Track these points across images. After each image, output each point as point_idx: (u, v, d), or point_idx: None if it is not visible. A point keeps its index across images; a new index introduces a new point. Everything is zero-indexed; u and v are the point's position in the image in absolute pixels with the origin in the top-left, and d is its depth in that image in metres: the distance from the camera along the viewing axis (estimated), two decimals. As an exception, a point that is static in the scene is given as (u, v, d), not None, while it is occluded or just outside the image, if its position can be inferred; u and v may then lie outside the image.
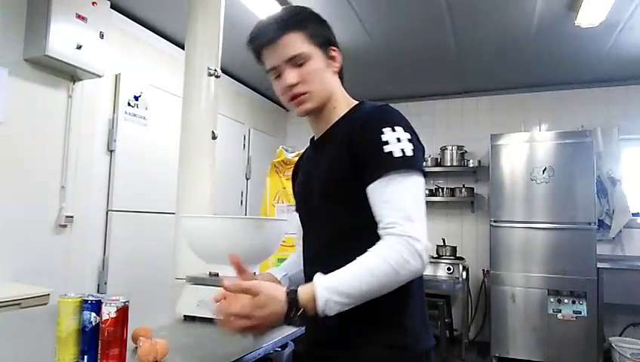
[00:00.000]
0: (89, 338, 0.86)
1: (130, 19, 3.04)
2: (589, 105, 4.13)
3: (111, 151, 2.88)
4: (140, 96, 3.05)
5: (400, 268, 0.76)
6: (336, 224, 0.91)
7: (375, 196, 0.82)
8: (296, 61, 0.92)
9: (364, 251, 0.79)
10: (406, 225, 0.77)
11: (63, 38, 2.35)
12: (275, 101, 5.06)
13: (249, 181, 4.46)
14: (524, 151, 3.70)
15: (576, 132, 3.73)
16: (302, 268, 1.05)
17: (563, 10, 2.80)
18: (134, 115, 3.01)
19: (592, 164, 3.52)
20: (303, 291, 0.76)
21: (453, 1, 2.73)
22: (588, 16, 2.74)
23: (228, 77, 4.07)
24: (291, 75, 0.92)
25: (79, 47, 2.43)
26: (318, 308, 0.75)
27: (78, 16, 2.43)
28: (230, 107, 4.10)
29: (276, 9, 2.73)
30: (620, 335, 3.64)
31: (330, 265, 0.79)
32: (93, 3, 2.50)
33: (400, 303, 0.87)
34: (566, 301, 3.46)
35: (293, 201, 2.02)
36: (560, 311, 3.47)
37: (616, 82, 4.02)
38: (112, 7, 2.76)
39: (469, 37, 3.24)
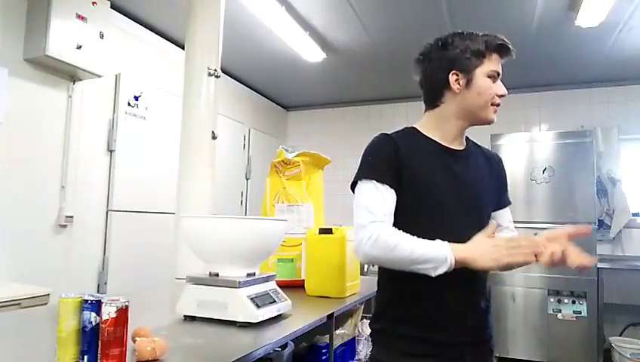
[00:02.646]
0: (89, 338, 0.86)
1: (130, 19, 3.04)
2: (589, 105, 4.13)
3: (111, 151, 2.88)
4: (140, 96, 3.05)
5: None
6: (485, 222, 1.11)
7: (508, 214, 1.26)
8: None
9: None
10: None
11: (63, 38, 2.35)
12: (275, 101, 5.07)
13: (249, 181, 4.46)
14: (524, 151, 3.70)
15: (576, 132, 3.72)
16: None
17: (563, 11, 2.80)
18: (134, 115, 3.01)
19: (592, 164, 3.52)
20: None
21: (453, 1, 2.74)
22: (588, 17, 2.74)
23: (228, 77, 4.08)
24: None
25: (79, 47, 2.43)
26: None
27: (78, 16, 2.43)
28: (230, 107, 4.10)
29: (276, 10, 2.74)
30: (619, 336, 3.64)
31: None
32: (93, 3, 2.50)
33: None
34: (566, 301, 3.46)
35: (293, 201, 2.03)
36: (560, 311, 3.47)
37: (616, 82, 4.02)
38: (112, 7, 2.76)
39: (469, 37, 3.23)
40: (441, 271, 0.96)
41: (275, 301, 1.37)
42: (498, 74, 1.12)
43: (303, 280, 1.85)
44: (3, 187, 2.29)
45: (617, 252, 3.91)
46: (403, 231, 1.04)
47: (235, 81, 4.29)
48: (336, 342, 1.82)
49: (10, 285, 2.15)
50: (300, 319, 1.41)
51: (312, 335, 1.76)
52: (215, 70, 2.27)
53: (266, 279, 1.40)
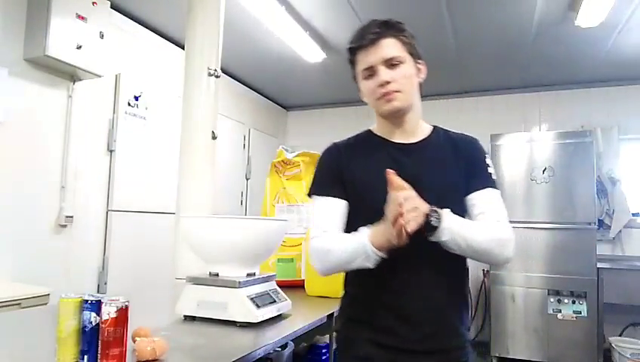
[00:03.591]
0: (89, 338, 0.86)
1: (130, 19, 3.04)
2: (589, 105, 4.13)
3: (111, 151, 2.88)
4: (140, 96, 3.05)
5: (501, 245, 1.02)
6: None
7: (482, 198, 1.07)
8: (392, 62, 1.06)
9: None
10: (505, 220, 1.06)
11: (63, 38, 2.35)
12: (275, 101, 5.07)
13: (249, 181, 4.46)
14: (524, 151, 3.70)
15: (576, 132, 3.72)
16: None
17: (563, 11, 2.80)
18: (134, 115, 3.01)
19: (592, 164, 3.52)
20: (441, 210, 0.96)
21: (453, 1, 2.73)
22: (588, 17, 2.74)
23: (228, 77, 4.08)
24: (387, 74, 1.05)
25: (79, 47, 2.43)
26: (441, 224, 0.94)
27: (78, 16, 2.43)
28: (230, 107, 4.10)
29: (277, 10, 2.74)
30: (619, 336, 3.64)
31: (440, 252, 0.96)
32: (93, 3, 2.50)
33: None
34: (566, 301, 3.46)
35: (293, 201, 2.03)
36: (560, 311, 3.47)
37: (615, 82, 4.02)
38: (112, 7, 2.76)
39: (469, 37, 3.24)
40: (373, 260, 0.96)
41: (275, 301, 1.37)
42: (368, 68, 1.07)
43: (303, 280, 1.85)
44: (3, 187, 2.29)
45: (617, 252, 3.90)
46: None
47: (235, 81, 4.29)
48: (336, 342, 1.82)
49: (10, 285, 2.15)
50: (300, 319, 1.41)
51: (312, 336, 1.76)
52: (215, 70, 2.27)
53: (266, 279, 1.40)
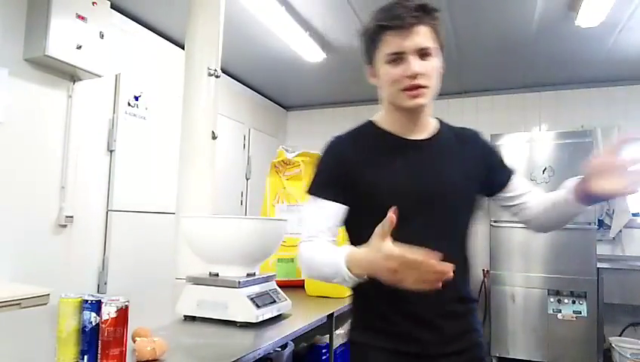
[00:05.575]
0: (89, 338, 0.86)
1: (130, 19, 3.04)
2: (589, 105, 4.12)
3: (111, 151, 2.88)
4: (140, 96, 3.05)
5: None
6: (463, 217, 1.04)
7: (518, 184, 1.13)
8: (424, 53, 0.96)
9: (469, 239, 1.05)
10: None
11: (63, 38, 2.35)
12: (275, 101, 5.07)
13: (249, 181, 4.46)
14: (524, 151, 3.70)
15: (576, 132, 3.73)
16: None
17: (563, 11, 2.80)
18: (134, 115, 3.01)
19: (592, 164, 3.51)
20: None
21: (454, 1, 2.73)
22: (588, 17, 2.74)
23: (228, 77, 4.08)
24: (418, 65, 0.94)
25: (79, 47, 2.43)
26: None
27: (78, 16, 2.43)
28: (230, 107, 4.10)
29: (277, 10, 2.74)
30: (619, 335, 3.64)
31: (454, 252, 0.94)
32: (93, 3, 2.50)
33: None
34: (566, 301, 3.46)
35: (293, 201, 2.03)
36: (560, 311, 3.47)
37: (616, 82, 4.02)
38: (112, 7, 2.76)
39: (469, 37, 3.24)
40: (351, 283, 0.88)
41: (275, 301, 1.37)
42: (398, 53, 0.96)
43: (303, 280, 1.85)
44: (3, 187, 2.29)
45: (617, 252, 3.90)
46: (366, 240, 0.86)
47: (235, 81, 4.29)
48: (336, 342, 1.82)
49: (10, 285, 2.15)
50: (300, 319, 1.41)
51: (312, 335, 1.76)
52: (215, 70, 2.27)
53: (266, 279, 1.40)
